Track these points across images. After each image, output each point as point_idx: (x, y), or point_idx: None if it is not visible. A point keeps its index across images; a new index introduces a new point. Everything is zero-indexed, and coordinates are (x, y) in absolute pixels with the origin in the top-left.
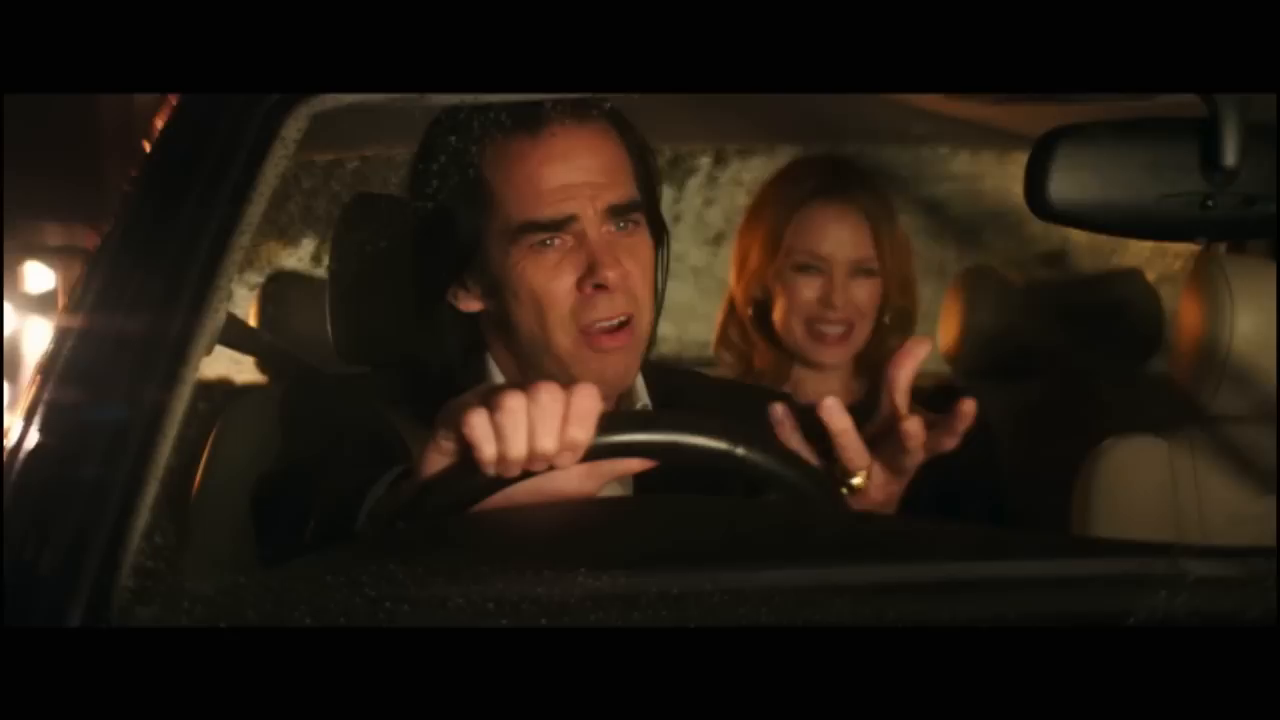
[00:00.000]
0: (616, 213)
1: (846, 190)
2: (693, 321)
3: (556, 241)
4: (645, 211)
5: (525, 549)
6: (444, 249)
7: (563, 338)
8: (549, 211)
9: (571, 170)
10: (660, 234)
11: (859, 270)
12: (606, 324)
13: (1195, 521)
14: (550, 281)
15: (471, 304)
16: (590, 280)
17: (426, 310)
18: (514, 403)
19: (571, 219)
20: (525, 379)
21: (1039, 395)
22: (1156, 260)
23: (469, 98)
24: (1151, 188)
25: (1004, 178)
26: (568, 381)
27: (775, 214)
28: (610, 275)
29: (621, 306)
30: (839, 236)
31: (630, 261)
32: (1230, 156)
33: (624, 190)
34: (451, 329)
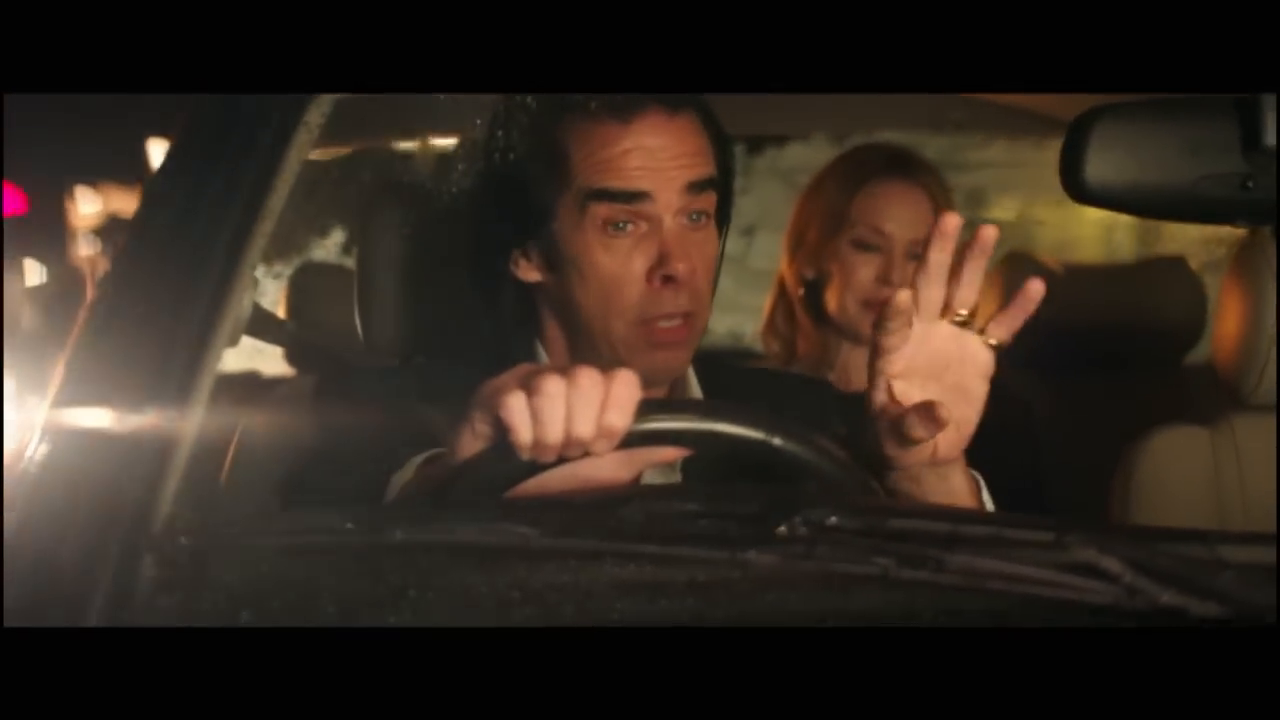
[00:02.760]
0: (693, 189)
1: (913, 171)
2: (725, 311)
3: (629, 227)
4: (718, 205)
5: (552, 536)
6: (513, 212)
7: (622, 326)
8: (624, 184)
9: (654, 155)
10: (724, 229)
11: (918, 251)
12: (667, 321)
13: (1239, 511)
14: (620, 268)
15: (532, 274)
16: (660, 271)
17: (488, 274)
18: (553, 386)
19: (645, 195)
20: (573, 357)
21: (1080, 384)
22: (1200, 247)
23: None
24: (1190, 169)
25: (1042, 164)
26: (617, 367)
27: (840, 189)
28: (680, 268)
29: (685, 302)
30: (902, 215)
31: (698, 257)
32: (1271, 136)
33: (702, 170)
34: (506, 298)
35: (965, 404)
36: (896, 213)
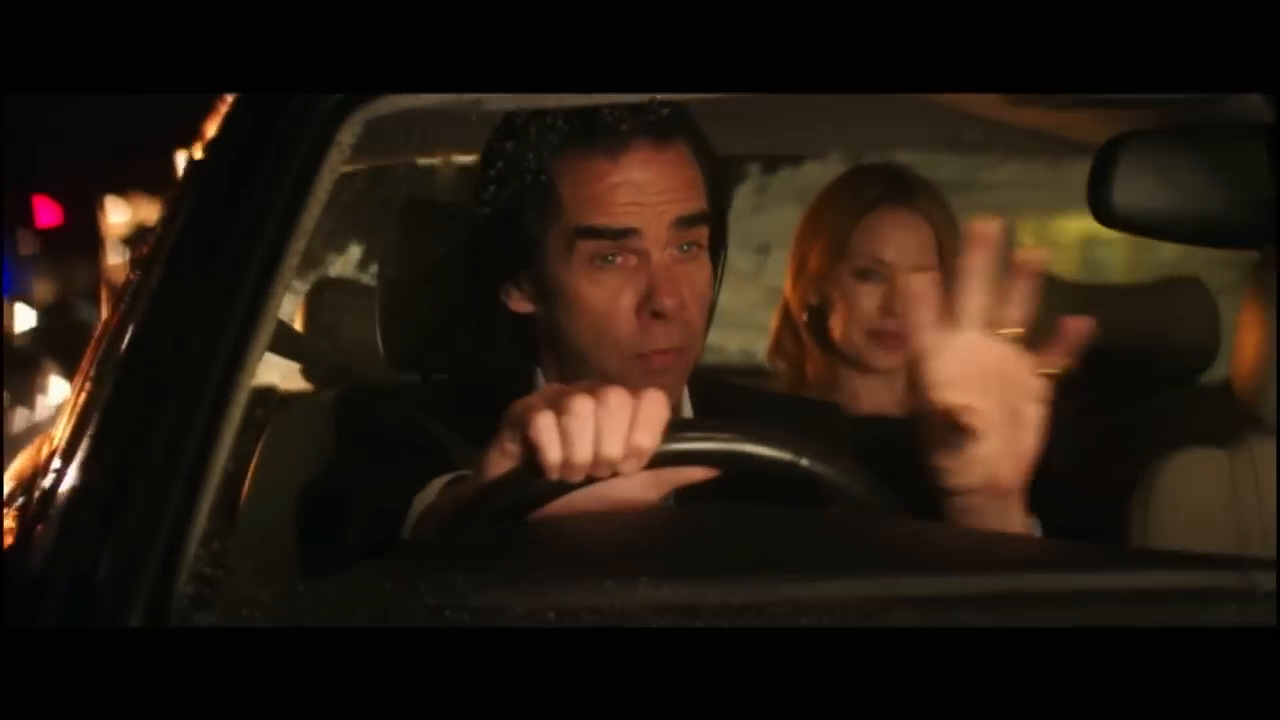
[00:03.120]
0: (682, 224)
1: (913, 198)
2: (737, 330)
3: (618, 260)
4: (710, 230)
5: (586, 557)
6: (502, 245)
7: (613, 359)
8: (612, 221)
9: (643, 190)
10: (719, 254)
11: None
12: (659, 355)
13: (1257, 534)
14: (609, 303)
15: (523, 305)
16: (648, 307)
17: (478, 306)
18: (582, 406)
19: (633, 232)
20: (567, 383)
21: (1096, 405)
22: (1215, 268)
23: (523, 99)
24: (1215, 195)
25: (1057, 185)
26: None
27: (839, 218)
28: (669, 304)
29: (675, 337)
30: (903, 242)
31: (689, 290)
32: None
33: (692, 205)
34: (501, 328)
35: (1018, 427)
36: (898, 241)
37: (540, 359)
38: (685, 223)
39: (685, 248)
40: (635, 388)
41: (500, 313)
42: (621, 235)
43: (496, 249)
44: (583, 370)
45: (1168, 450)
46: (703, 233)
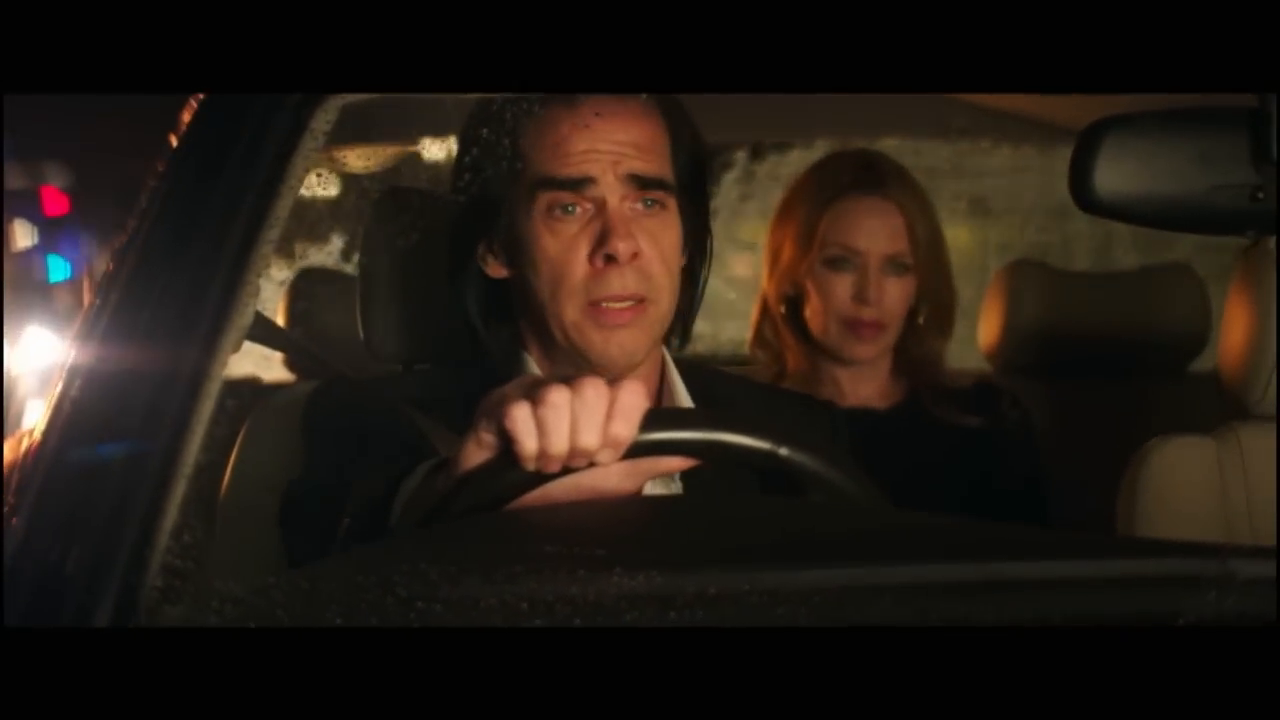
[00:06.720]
0: (639, 184)
1: (881, 185)
2: (727, 319)
3: (576, 210)
4: (676, 194)
5: (560, 547)
6: (475, 210)
7: (571, 309)
8: (567, 170)
9: (599, 138)
10: (696, 223)
11: (892, 265)
12: (615, 302)
13: (1245, 522)
14: (565, 251)
15: (499, 269)
16: (601, 252)
17: (457, 273)
18: (557, 397)
19: (589, 181)
20: (547, 353)
21: (1084, 393)
22: (1204, 255)
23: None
24: (1199, 179)
25: (1047, 172)
26: (575, 355)
27: (809, 208)
28: (621, 248)
29: (632, 285)
30: (872, 229)
31: (647, 241)
32: (1275, 148)
33: (651, 165)
34: (479, 294)
35: None
36: (867, 228)
37: (520, 329)
38: (641, 182)
39: (647, 203)
40: (594, 340)
41: (478, 281)
42: (576, 184)
43: (471, 212)
44: (547, 329)
45: (1156, 437)
46: (665, 195)
